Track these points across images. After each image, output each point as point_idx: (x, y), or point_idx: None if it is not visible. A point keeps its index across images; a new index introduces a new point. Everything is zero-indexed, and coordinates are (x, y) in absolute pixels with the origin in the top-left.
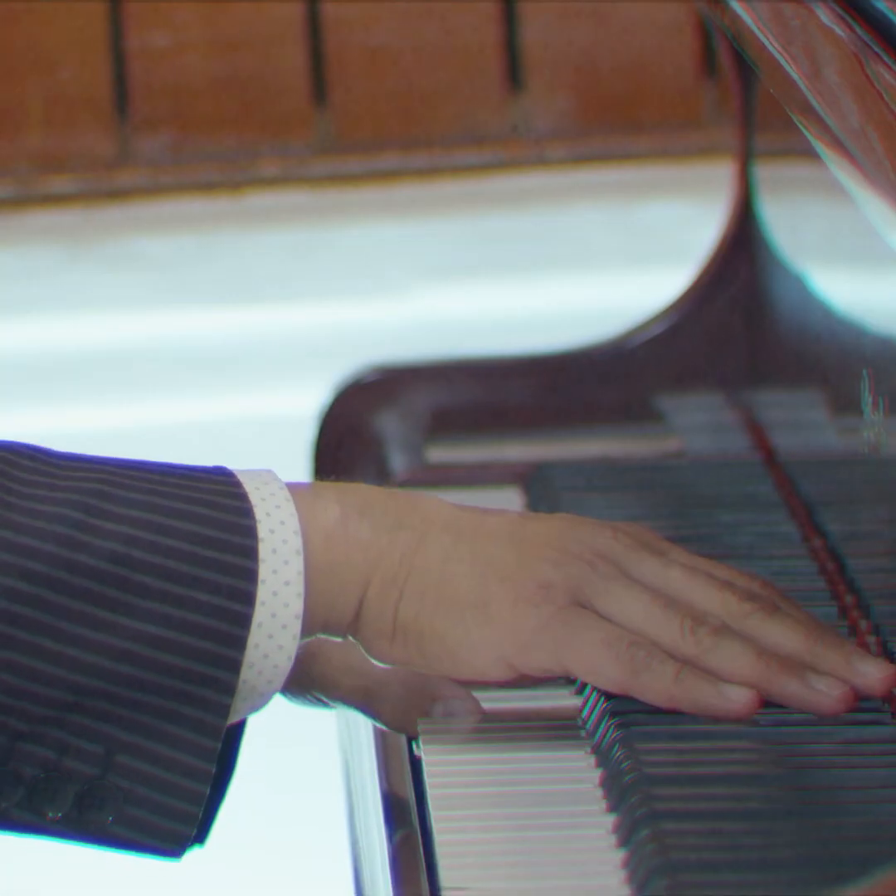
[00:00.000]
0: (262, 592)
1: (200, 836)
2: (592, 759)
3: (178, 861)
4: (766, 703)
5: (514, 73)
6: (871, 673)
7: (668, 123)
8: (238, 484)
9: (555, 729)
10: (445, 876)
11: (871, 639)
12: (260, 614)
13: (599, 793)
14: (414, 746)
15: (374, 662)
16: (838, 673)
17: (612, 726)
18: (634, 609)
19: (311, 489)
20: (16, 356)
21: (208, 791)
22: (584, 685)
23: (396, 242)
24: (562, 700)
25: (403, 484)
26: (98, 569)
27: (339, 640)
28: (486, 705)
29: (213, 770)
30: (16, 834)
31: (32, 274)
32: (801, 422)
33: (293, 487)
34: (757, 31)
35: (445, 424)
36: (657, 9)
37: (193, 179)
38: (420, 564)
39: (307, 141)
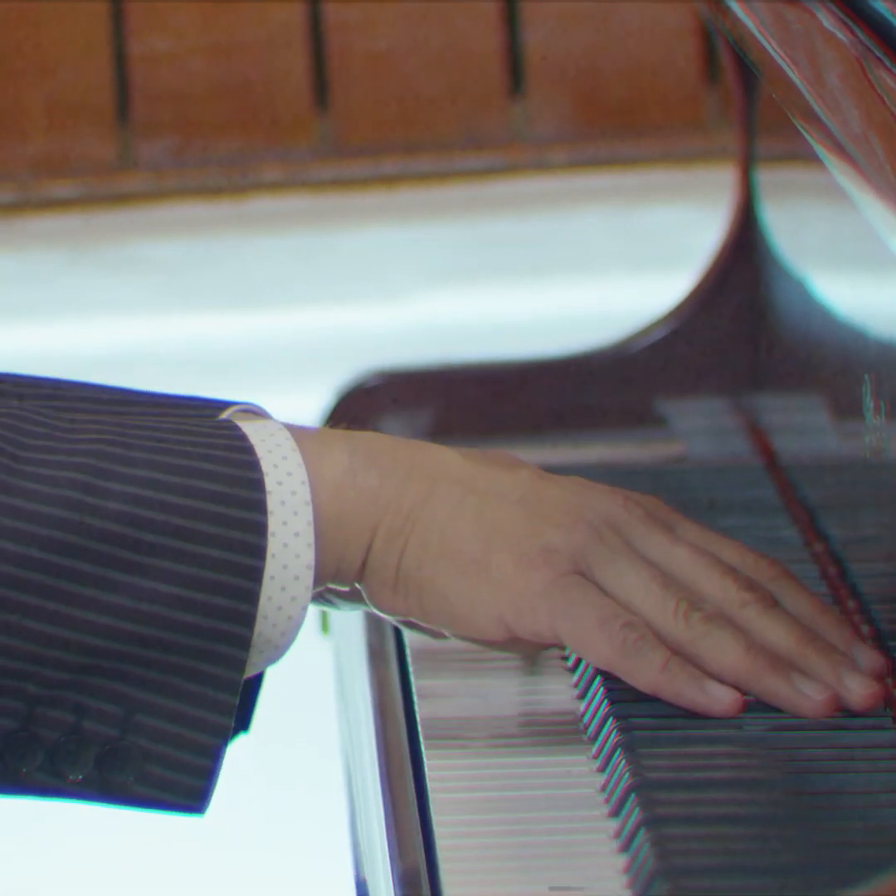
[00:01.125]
0: (273, 545)
1: (244, 724)
2: (594, 764)
3: (201, 816)
4: (759, 705)
5: (515, 77)
6: (855, 689)
7: (670, 128)
8: (243, 437)
9: (556, 733)
10: (447, 880)
11: (872, 643)
12: (271, 567)
13: (601, 798)
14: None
15: (376, 612)
16: (825, 681)
17: (614, 731)
18: (633, 584)
19: (319, 438)
20: (16, 360)
21: (227, 745)
22: (585, 690)
23: (398, 247)
24: (563, 704)
25: None
26: (107, 531)
27: (346, 588)
28: (487, 710)
29: (232, 724)
30: (39, 798)
31: (33, 278)
32: (803, 426)
33: (301, 437)
34: (759, 36)
35: (447, 428)
36: (659, 13)
37: (195, 184)
38: (427, 516)
39: (308, 145)
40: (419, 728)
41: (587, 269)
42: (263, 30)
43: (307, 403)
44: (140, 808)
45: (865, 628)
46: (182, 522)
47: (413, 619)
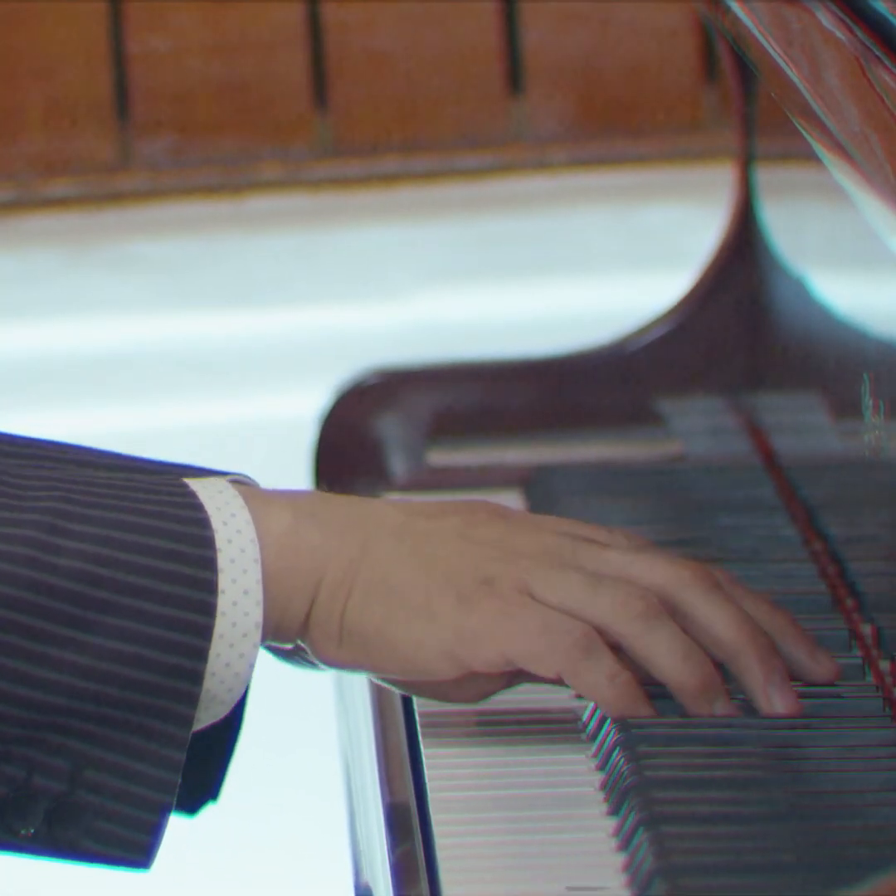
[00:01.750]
0: (222, 603)
1: (214, 793)
2: (593, 763)
3: (147, 872)
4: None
5: (514, 76)
6: (778, 707)
7: (669, 127)
8: (193, 495)
9: (555, 732)
10: (446, 879)
11: (871, 641)
12: (220, 625)
13: (600, 796)
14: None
15: (323, 667)
16: (752, 693)
17: (613, 730)
18: (569, 589)
19: (262, 496)
20: (16, 360)
21: (174, 802)
22: None
23: (397, 246)
24: (562, 702)
25: (404, 487)
26: (63, 588)
27: (288, 646)
28: (485, 706)
29: (179, 781)
30: None
31: (32, 277)
32: (802, 425)
33: (244, 494)
34: (758, 35)
35: (446, 427)
36: (658, 12)
37: (194, 183)
38: (367, 568)
39: (308, 144)
40: (418, 728)
41: (586, 268)
42: (262, 29)
43: (306, 403)
44: (88, 864)
45: (865, 627)
46: (135, 580)
47: (363, 671)
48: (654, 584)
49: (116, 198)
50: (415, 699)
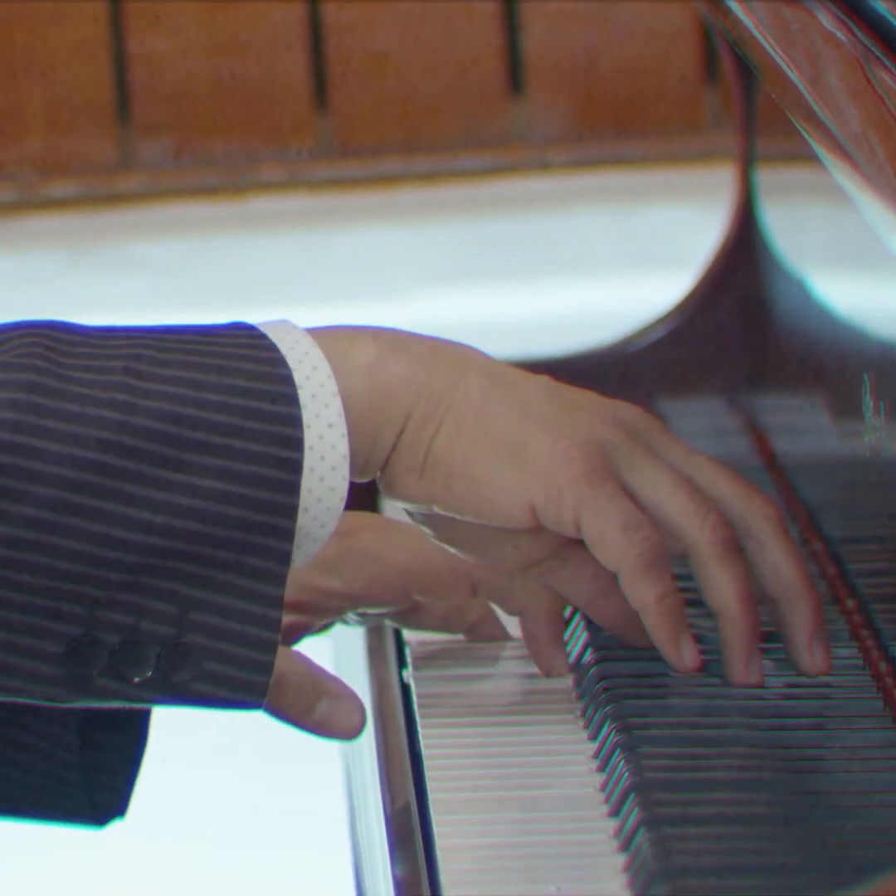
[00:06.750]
0: (309, 437)
1: (121, 808)
2: (594, 764)
3: (259, 711)
4: (760, 705)
5: (515, 78)
6: (819, 662)
7: (670, 128)
8: (264, 335)
9: (556, 733)
10: (446, 881)
11: (872, 643)
12: (309, 459)
13: (601, 797)
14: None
15: (394, 502)
16: (796, 642)
17: (614, 730)
18: (661, 486)
19: (343, 332)
20: None
21: (279, 639)
22: (585, 689)
23: (397, 247)
24: (563, 704)
25: None
26: (154, 429)
27: (365, 480)
28: (486, 710)
29: (281, 617)
30: (103, 702)
31: (33, 278)
32: (803, 426)
33: (325, 332)
34: (758, 36)
35: None
36: (658, 14)
37: (194, 184)
38: (460, 402)
39: (308, 145)
40: (418, 728)
41: (587, 268)
42: (263, 30)
43: None
44: (201, 706)
45: (865, 631)
46: (221, 418)
47: (435, 506)
48: (738, 504)
49: (117, 198)
50: (414, 699)
